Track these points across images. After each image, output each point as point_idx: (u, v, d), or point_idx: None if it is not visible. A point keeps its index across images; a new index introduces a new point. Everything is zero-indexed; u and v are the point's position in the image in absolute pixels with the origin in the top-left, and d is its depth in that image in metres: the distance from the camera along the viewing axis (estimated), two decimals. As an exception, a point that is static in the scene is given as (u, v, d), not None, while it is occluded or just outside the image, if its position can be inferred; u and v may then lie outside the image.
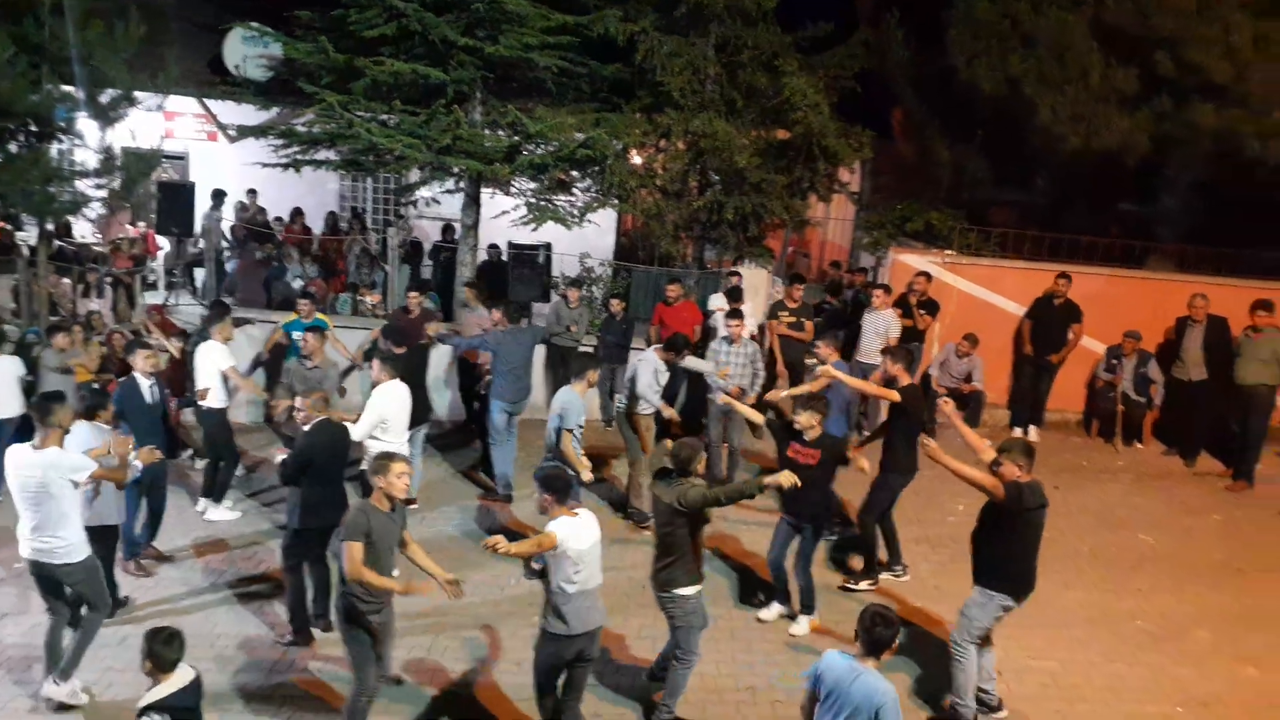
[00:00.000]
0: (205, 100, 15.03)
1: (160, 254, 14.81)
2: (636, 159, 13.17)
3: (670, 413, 9.14)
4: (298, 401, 7.16)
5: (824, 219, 16.68)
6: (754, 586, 8.12)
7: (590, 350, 11.44)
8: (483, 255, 13.16)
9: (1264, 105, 12.45)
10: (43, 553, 6.15)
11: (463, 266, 12.46)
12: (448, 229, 14.60)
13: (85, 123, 11.30)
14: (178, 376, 10.08)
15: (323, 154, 12.10)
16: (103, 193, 11.56)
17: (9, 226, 12.40)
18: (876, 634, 4.67)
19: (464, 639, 7.26)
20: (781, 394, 7.61)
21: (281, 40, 11.99)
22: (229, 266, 13.97)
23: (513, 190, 12.09)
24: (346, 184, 16.49)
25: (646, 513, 8.69)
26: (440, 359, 11.40)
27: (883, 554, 8.35)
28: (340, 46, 11.09)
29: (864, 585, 8.16)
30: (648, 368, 8.97)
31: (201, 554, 8.42)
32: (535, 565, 5.85)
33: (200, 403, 8.94)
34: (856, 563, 8.51)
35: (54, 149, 11.07)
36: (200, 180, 14.25)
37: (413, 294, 10.80)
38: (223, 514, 9.11)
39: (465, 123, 11.23)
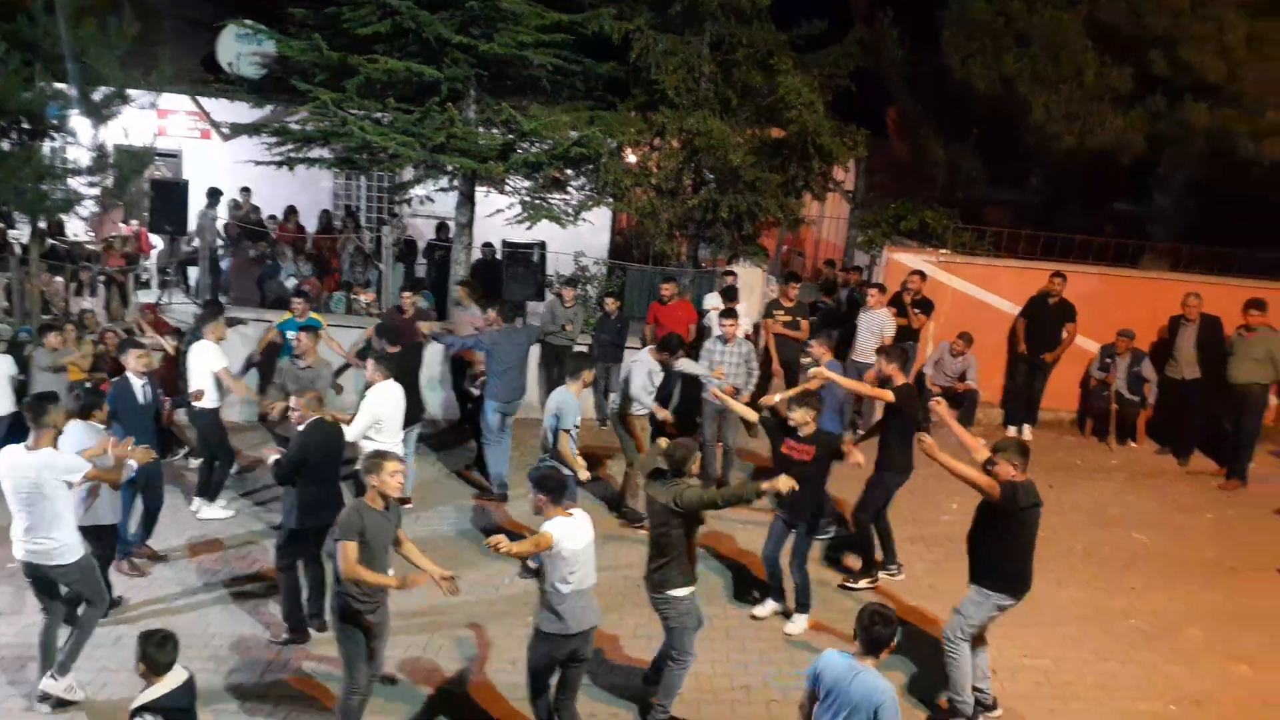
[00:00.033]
0: (198, 98, 14.99)
1: (153, 252, 14.76)
2: (631, 157, 13.16)
3: (664, 415, 9.12)
4: (292, 401, 7.15)
5: (819, 218, 16.70)
6: (749, 585, 8.12)
7: (585, 349, 11.44)
8: (477, 254, 13.15)
9: (1257, 105, 12.46)
10: (36, 554, 6.14)
11: (457, 265, 12.44)
12: (442, 227, 14.58)
13: (78, 120, 11.28)
14: (171, 376, 10.06)
15: (316, 152, 12.07)
16: (95, 191, 11.54)
17: (1, 224, 12.36)
18: (875, 633, 4.68)
19: (459, 638, 7.26)
20: (776, 398, 7.60)
21: (275, 38, 11.97)
22: (224, 265, 13.94)
23: (507, 188, 12.07)
24: (340, 182, 16.47)
25: (641, 513, 8.69)
26: (433, 358, 11.38)
27: (878, 553, 8.35)
28: (334, 44, 11.06)
29: (863, 584, 8.17)
30: (641, 369, 8.96)
31: (195, 553, 8.41)
32: (532, 564, 5.86)
33: (193, 404, 8.92)
34: (854, 562, 8.53)
35: (46, 147, 11.05)
36: (193, 178, 14.21)
37: (406, 294, 10.78)
38: (216, 512, 9.09)
39: (459, 121, 11.20)
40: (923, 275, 11.73)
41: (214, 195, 14.53)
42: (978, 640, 6.43)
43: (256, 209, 15.00)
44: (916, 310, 11.48)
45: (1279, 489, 10.70)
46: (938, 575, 8.38)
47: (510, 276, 12.63)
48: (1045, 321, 11.61)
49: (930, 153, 15.33)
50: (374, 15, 11.15)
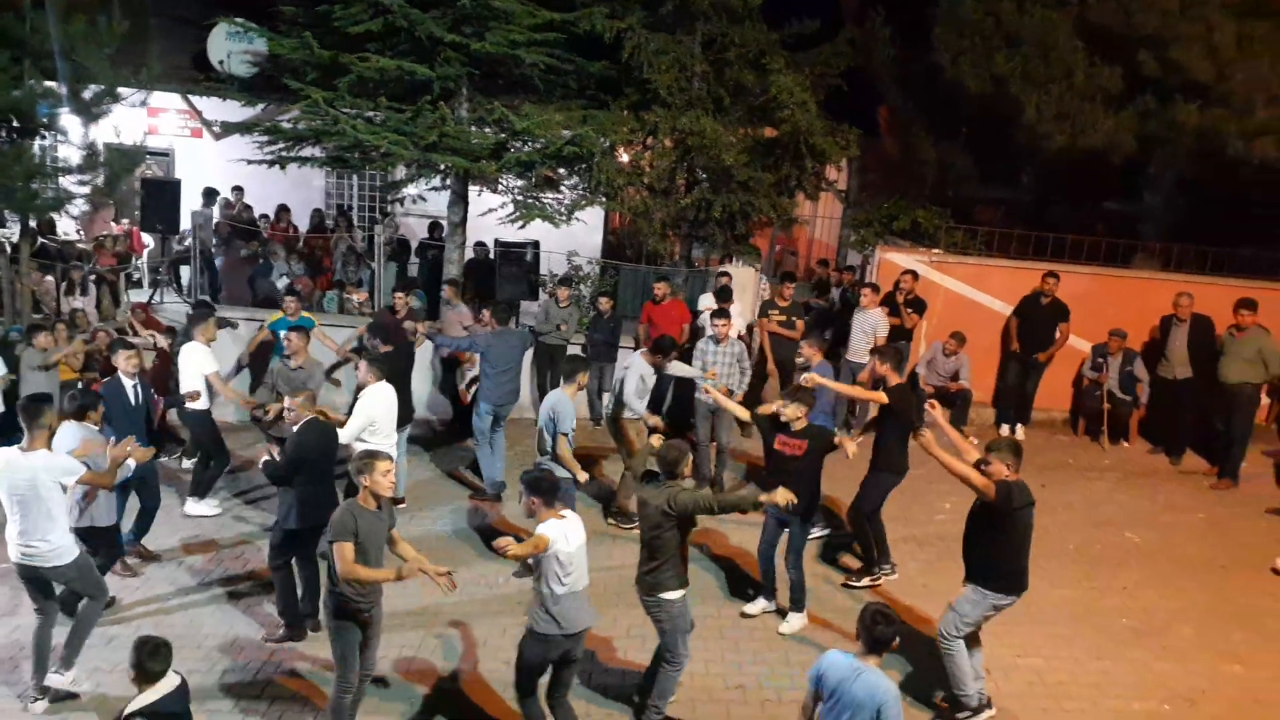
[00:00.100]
0: (189, 96, 14.96)
1: (145, 251, 14.71)
2: (624, 156, 13.16)
3: (655, 421, 9.05)
4: (287, 402, 7.13)
5: (811, 217, 16.70)
6: (743, 584, 8.13)
7: (579, 349, 11.43)
8: (470, 253, 13.12)
9: (1246, 104, 12.54)
10: (31, 556, 6.13)
11: (450, 264, 12.42)
12: (435, 226, 14.55)
13: (68, 119, 11.23)
14: (162, 376, 10.03)
15: (308, 151, 12.03)
16: (86, 189, 11.48)
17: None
18: (877, 632, 4.72)
19: (453, 637, 7.25)
20: (772, 408, 7.59)
21: (266, 36, 11.93)
22: (217, 264, 13.90)
23: (500, 188, 12.05)
24: (332, 181, 16.42)
25: (632, 514, 8.68)
26: (425, 358, 11.35)
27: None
28: (325, 42, 11.02)
29: (865, 583, 8.19)
30: (634, 374, 8.92)
31: (188, 553, 8.37)
32: (531, 563, 5.84)
33: (184, 405, 8.88)
34: (853, 561, 8.56)
35: (36, 145, 11.00)
36: (185, 177, 14.16)
37: (399, 294, 10.75)
38: (204, 509, 9.06)
39: (451, 119, 11.18)
40: (915, 275, 11.75)
41: (209, 195, 14.49)
42: (971, 640, 6.44)
43: (249, 208, 14.96)
44: (909, 310, 11.50)
45: (1270, 488, 10.77)
46: (931, 575, 8.40)
47: (503, 276, 12.61)
48: (1038, 321, 11.64)
49: (921, 151, 15.37)
50: (365, 13, 11.12)
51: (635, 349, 10.43)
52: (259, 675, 6.72)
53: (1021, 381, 11.91)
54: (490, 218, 12.01)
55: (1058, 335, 11.58)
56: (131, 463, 6.87)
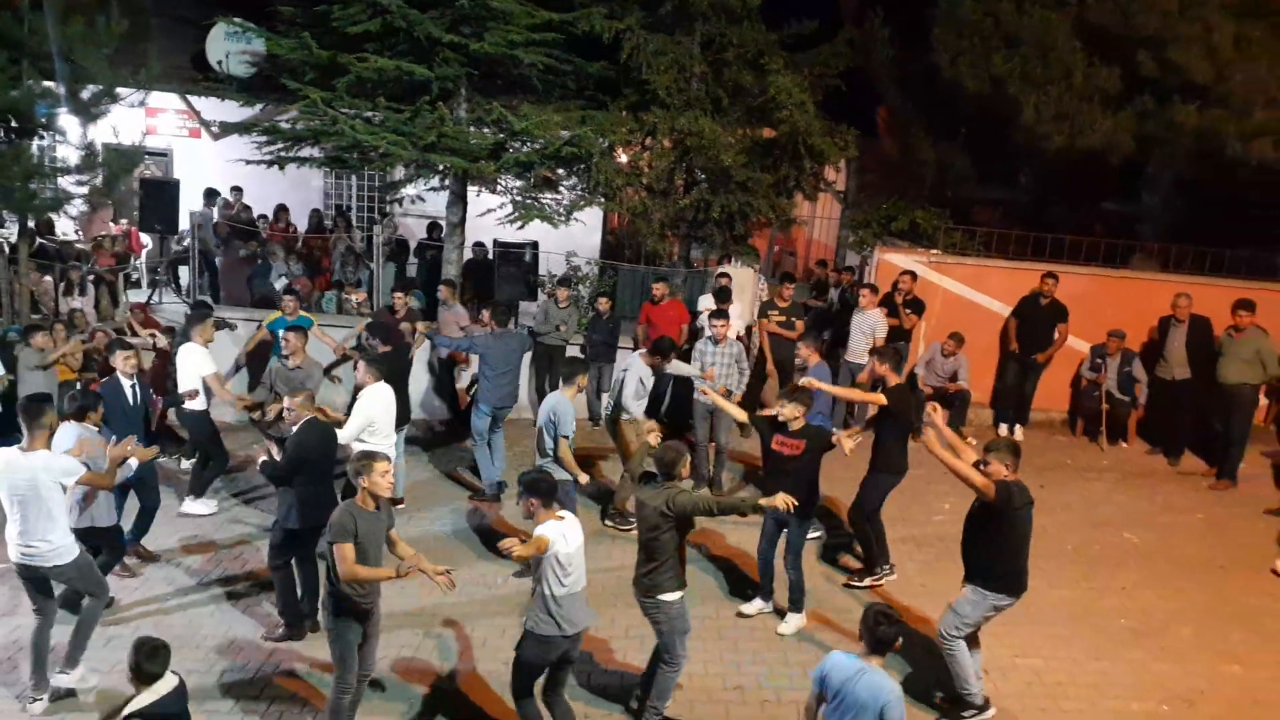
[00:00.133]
0: (188, 96, 14.95)
1: (144, 252, 14.71)
2: (622, 157, 13.16)
3: (650, 426, 9.01)
4: (286, 402, 7.13)
5: (810, 218, 16.69)
6: (741, 585, 8.12)
7: (577, 350, 11.43)
8: (469, 253, 13.12)
9: (1245, 105, 12.53)
10: (31, 556, 6.14)
11: (448, 264, 12.41)
12: (434, 227, 14.55)
13: (66, 119, 11.23)
14: (161, 376, 10.02)
15: (307, 151, 12.03)
16: (84, 190, 11.48)
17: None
18: (880, 632, 4.76)
19: (452, 637, 7.25)
20: (773, 411, 7.59)
21: (265, 36, 11.92)
22: (217, 264, 13.91)
23: (498, 188, 12.05)
24: (331, 181, 16.42)
25: (630, 515, 8.67)
26: (421, 358, 11.35)
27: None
28: (324, 43, 11.01)
29: (867, 583, 8.20)
30: (633, 376, 8.90)
31: (187, 554, 8.37)
32: (530, 563, 5.84)
33: (183, 405, 8.87)
34: (854, 561, 8.57)
35: (35, 145, 10.99)
36: (183, 177, 14.16)
37: (398, 294, 10.76)
38: (199, 508, 9.06)
39: (450, 120, 11.18)
40: (914, 275, 11.76)
41: (211, 196, 14.49)
42: (971, 641, 6.44)
43: (247, 208, 14.95)
44: (908, 310, 11.50)
45: (1269, 489, 10.77)
46: (929, 575, 8.40)
47: (502, 276, 12.61)
48: (1037, 321, 11.64)
49: (920, 152, 15.37)
50: (364, 14, 11.11)
51: (634, 349, 10.42)
52: (258, 676, 6.72)
53: (1020, 382, 11.91)
54: (489, 218, 12.00)
55: (1056, 336, 11.58)
56: (133, 462, 6.88)
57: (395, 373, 8.70)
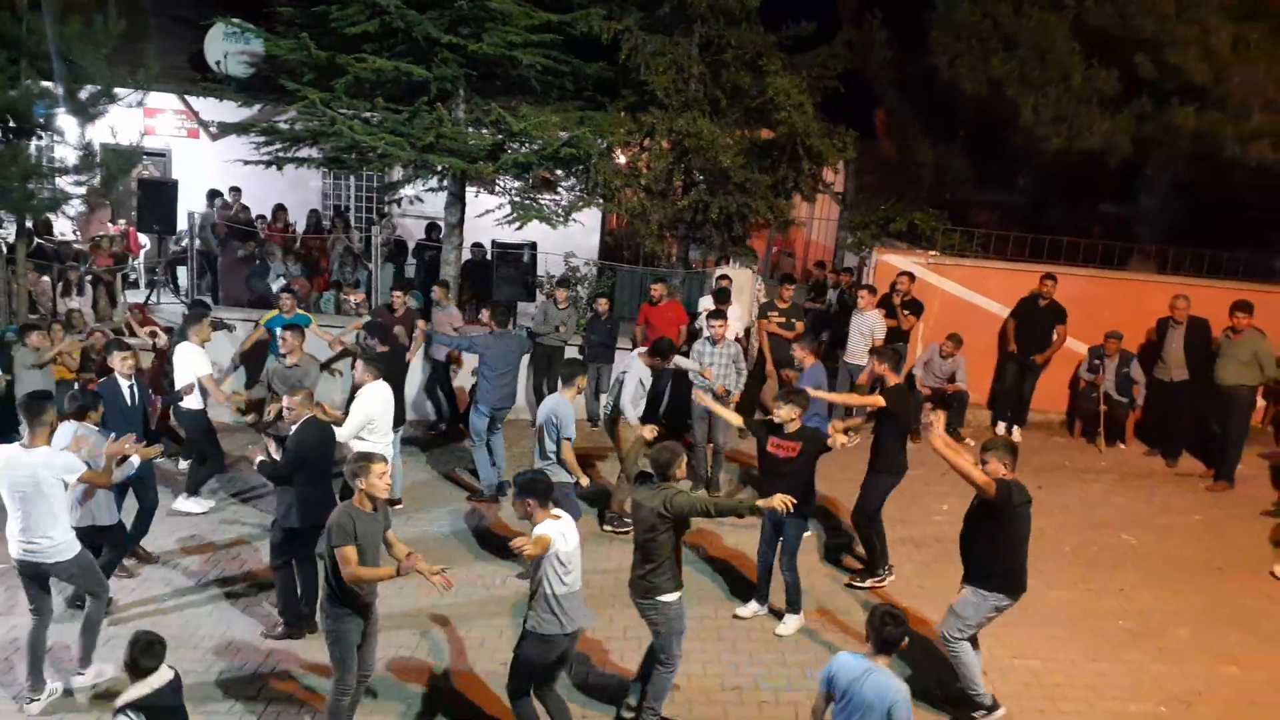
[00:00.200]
0: (186, 96, 14.94)
1: (142, 252, 14.70)
2: (621, 158, 13.16)
3: (647, 430, 8.99)
4: (286, 401, 7.12)
5: (808, 219, 16.71)
6: (740, 585, 8.12)
7: (576, 351, 11.43)
8: (467, 254, 13.12)
9: (1243, 107, 12.55)
10: (33, 553, 6.14)
11: (447, 265, 12.41)
12: (432, 227, 14.55)
13: (64, 119, 11.21)
14: (159, 376, 10.01)
15: (305, 151, 12.04)
16: (82, 190, 11.47)
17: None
18: (886, 633, 4.80)
19: (450, 638, 7.24)
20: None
21: (263, 36, 11.93)
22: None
23: (497, 189, 12.05)
24: (329, 182, 16.42)
25: (627, 516, 8.67)
26: (415, 360, 11.34)
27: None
28: (322, 43, 11.02)
29: (868, 584, 8.20)
30: (633, 378, 8.86)
31: (185, 554, 8.36)
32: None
33: (181, 403, 8.87)
34: (853, 562, 8.57)
35: (33, 145, 10.97)
36: (182, 177, 14.16)
37: (397, 293, 10.76)
38: (192, 506, 9.05)
39: (448, 121, 11.18)
40: (912, 277, 11.76)
41: (213, 197, 14.50)
42: (971, 642, 6.43)
43: (246, 208, 14.94)
44: (906, 312, 11.51)
45: (1266, 490, 10.77)
46: (927, 576, 8.40)
47: (501, 277, 12.61)
48: (1036, 323, 11.64)
49: (918, 154, 15.39)
50: (362, 14, 11.12)
51: (632, 349, 10.41)
52: (256, 676, 6.71)
53: (1018, 383, 11.92)
54: (487, 219, 12.01)
55: (1055, 337, 11.59)
56: (135, 460, 6.87)
57: (393, 372, 8.70)
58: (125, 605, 7.45)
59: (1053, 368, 11.88)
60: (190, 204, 13.73)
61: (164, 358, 10.04)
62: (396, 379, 9.03)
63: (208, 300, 12.28)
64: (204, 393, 8.89)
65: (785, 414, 7.22)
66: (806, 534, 8.53)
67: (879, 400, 7.90)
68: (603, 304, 11.55)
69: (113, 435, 6.83)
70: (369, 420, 7.87)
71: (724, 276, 11.73)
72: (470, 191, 12.32)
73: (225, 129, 12.89)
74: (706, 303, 11.43)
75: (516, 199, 11.87)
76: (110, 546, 7.18)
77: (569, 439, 7.82)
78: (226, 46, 14.01)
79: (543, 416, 7.89)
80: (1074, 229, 13.48)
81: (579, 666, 6.89)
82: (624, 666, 6.92)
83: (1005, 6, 13.55)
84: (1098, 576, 8.66)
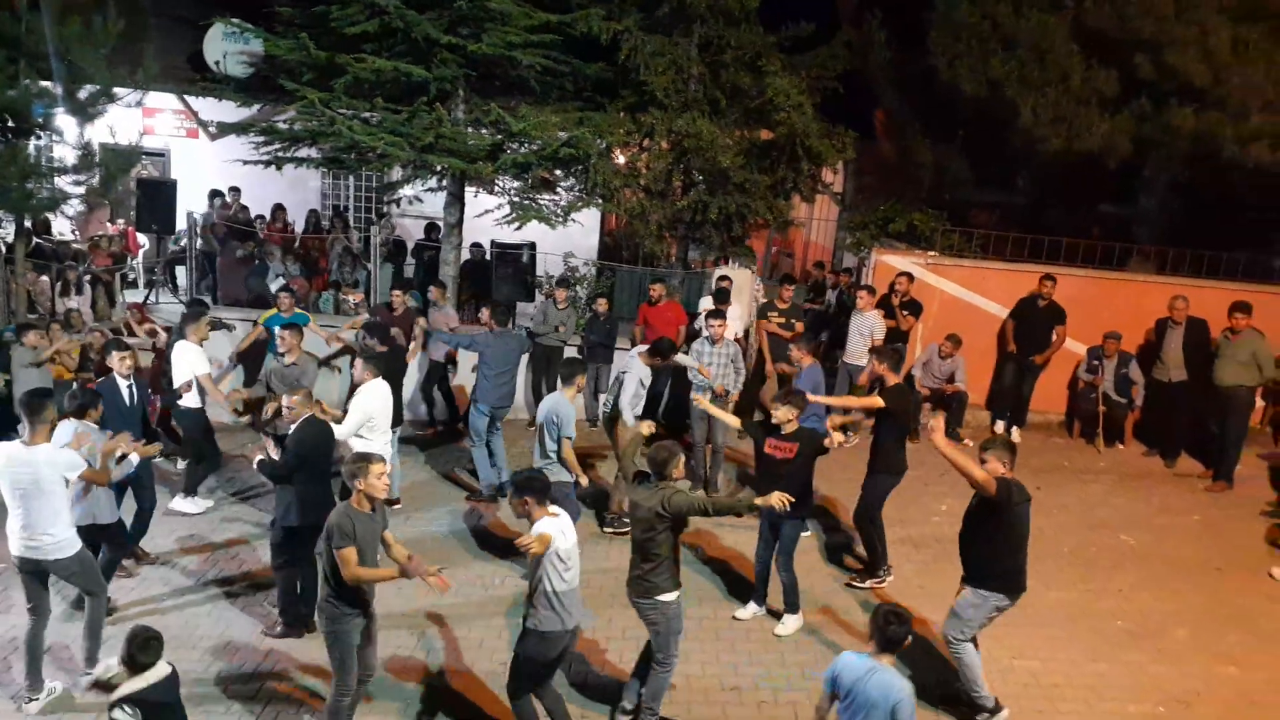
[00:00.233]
0: (185, 96, 14.93)
1: (140, 252, 14.69)
2: (620, 158, 13.16)
3: (647, 426, 8.99)
4: (285, 400, 7.12)
5: (807, 219, 16.72)
6: (739, 586, 8.11)
7: (575, 351, 11.43)
8: (466, 254, 13.12)
9: (1241, 108, 12.55)
10: (34, 549, 6.15)
11: (446, 265, 12.41)
12: (431, 227, 14.55)
13: (63, 118, 11.20)
14: (159, 375, 10.01)
15: (304, 151, 12.04)
16: (81, 189, 11.46)
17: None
18: (890, 631, 4.84)
19: (449, 638, 7.23)
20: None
21: (262, 36, 11.92)
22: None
23: (496, 189, 12.05)
24: (328, 182, 16.41)
25: (625, 516, 8.66)
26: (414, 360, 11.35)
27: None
28: (321, 43, 11.02)
29: (868, 584, 8.20)
30: (633, 378, 8.85)
31: (184, 554, 8.35)
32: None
33: (179, 402, 8.86)
34: (853, 562, 8.58)
35: (31, 145, 10.96)
36: (181, 177, 14.15)
37: (396, 292, 10.76)
38: (188, 506, 9.04)
39: (448, 121, 11.18)
40: (911, 277, 11.76)
41: (216, 197, 14.50)
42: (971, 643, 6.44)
43: (245, 208, 14.94)
44: (905, 312, 11.50)
45: (1265, 490, 10.77)
46: (926, 576, 8.40)
47: (500, 277, 12.61)
48: (1035, 323, 11.64)
49: (917, 154, 15.39)
50: (362, 14, 11.12)
51: (631, 348, 10.41)
52: (255, 676, 6.70)
53: (1017, 384, 11.92)
54: (486, 219, 12.01)
55: (1054, 338, 11.59)
56: (134, 458, 6.87)
57: (391, 372, 8.70)
58: (125, 605, 7.44)
59: (1052, 368, 11.88)
60: (189, 204, 13.72)
61: (164, 357, 10.03)
62: (395, 378, 9.03)
63: (205, 299, 12.28)
64: (202, 392, 8.89)
65: (783, 415, 7.22)
66: (805, 534, 8.52)
67: (877, 401, 7.90)
68: (602, 304, 11.56)
69: (109, 433, 6.83)
70: (368, 418, 7.87)
71: (725, 278, 11.73)
72: (469, 191, 12.32)
73: (224, 129, 12.88)
74: (707, 303, 11.43)
75: (516, 199, 11.87)
76: (110, 545, 7.18)
77: (570, 437, 7.82)
78: (226, 46, 14.01)
79: (543, 415, 7.89)
80: (1073, 229, 13.48)
81: (578, 666, 6.89)
82: (623, 667, 6.91)
83: (1005, 7, 13.55)
84: (1097, 577, 8.67)
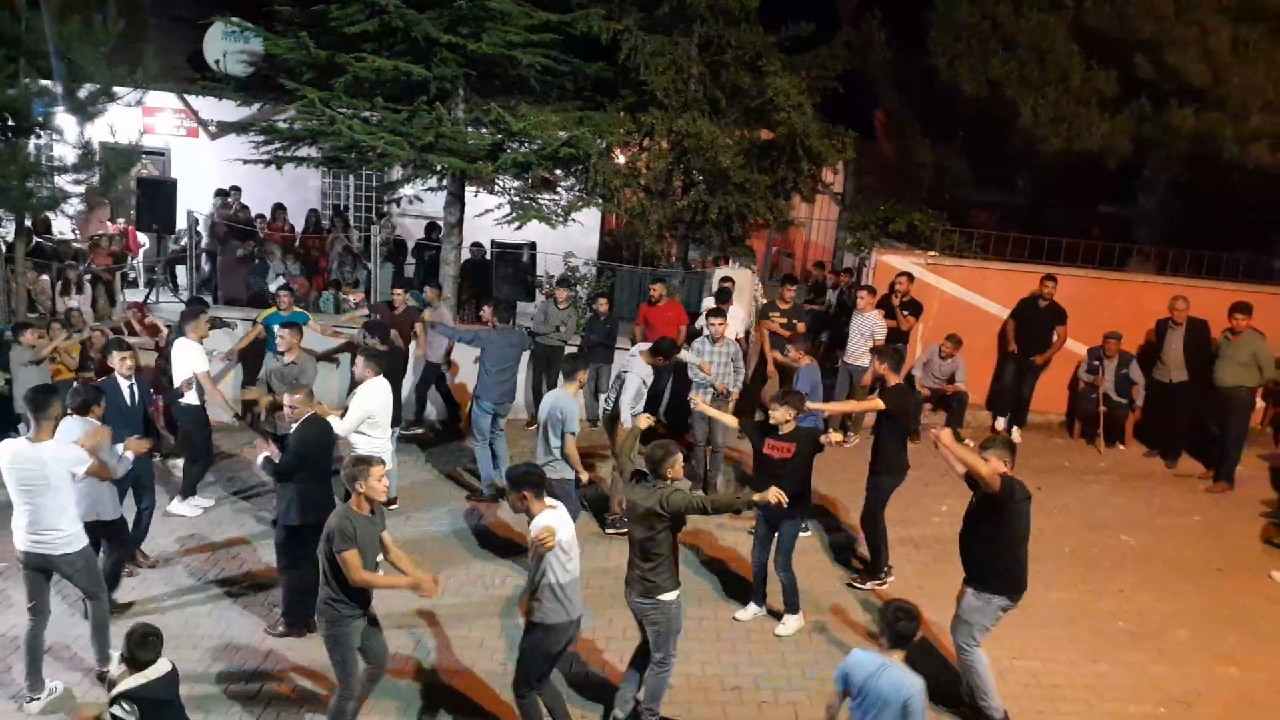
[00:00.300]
0: (185, 96, 14.93)
1: (141, 251, 14.68)
2: (620, 158, 13.15)
3: (645, 419, 8.97)
4: (287, 399, 7.11)
5: (807, 219, 16.72)
6: (739, 586, 8.10)
7: (576, 349, 11.42)
8: (466, 254, 13.12)
9: (1241, 109, 12.55)
10: (41, 544, 6.15)
11: (446, 265, 12.40)
12: (431, 227, 14.55)
13: (63, 117, 11.20)
14: (160, 374, 10.01)
15: (304, 151, 12.02)
16: (81, 189, 11.46)
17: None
18: (900, 627, 4.89)
19: (449, 636, 7.23)
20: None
21: (262, 35, 11.91)
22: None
23: (496, 189, 12.05)
24: (328, 181, 16.42)
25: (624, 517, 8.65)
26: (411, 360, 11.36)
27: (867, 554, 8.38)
28: (321, 42, 11.01)
29: (870, 585, 8.20)
30: (635, 378, 8.83)
31: (185, 554, 8.34)
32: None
33: (179, 400, 8.85)
34: (855, 563, 8.57)
35: (32, 144, 10.95)
36: (181, 176, 14.14)
37: (397, 291, 10.76)
38: (187, 509, 9.02)
39: (448, 120, 11.17)
40: (911, 277, 11.75)
41: (220, 196, 14.49)
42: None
43: (245, 208, 14.94)
44: (905, 312, 11.50)
45: (1265, 491, 10.77)
46: (927, 577, 8.40)
47: (500, 277, 12.61)
48: (1036, 323, 11.64)
49: (917, 154, 15.39)
50: (362, 14, 11.11)
51: (632, 347, 10.40)
52: (255, 676, 6.70)
53: (1018, 384, 11.91)
54: (487, 219, 12.00)
55: (1055, 338, 11.59)
56: (129, 455, 6.86)
57: (391, 371, 8.70)
58: (123, 605, 7.43)
59: (1052, 369, 11.88)
60: (189, 203, 13.72)
61: (165, 356, 10.03)
62: (394, 378, 9.03)
63: (205, 298, 12.28)
64: (201, 390, 8.89)
65: (781, 415, 7.22)
66: (805, 534, 8.53)
67: (877, 403, 7.90)
68: (602, 304, 11.55)
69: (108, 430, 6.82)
70: (368, 415, 7.87)
71: (727, 278, 11.73)
72: (470, 191, 12.31)
73: (224, 128, 12.87)
74: (709, 303, 11.43)
75: (516, 199, 11.86)
76: (112, 543, 7.16)
77: (573, 433, 7.81)
78: (225, 45, 14.01)
79: (545, 412, 7.88)
80: (1073, 230, 13.48)
81: (578, 666, 6.89)
82: (623, 667, 6.91)
83: (1005, 7, 13.55)
84: (1097, 577, 8.67)
